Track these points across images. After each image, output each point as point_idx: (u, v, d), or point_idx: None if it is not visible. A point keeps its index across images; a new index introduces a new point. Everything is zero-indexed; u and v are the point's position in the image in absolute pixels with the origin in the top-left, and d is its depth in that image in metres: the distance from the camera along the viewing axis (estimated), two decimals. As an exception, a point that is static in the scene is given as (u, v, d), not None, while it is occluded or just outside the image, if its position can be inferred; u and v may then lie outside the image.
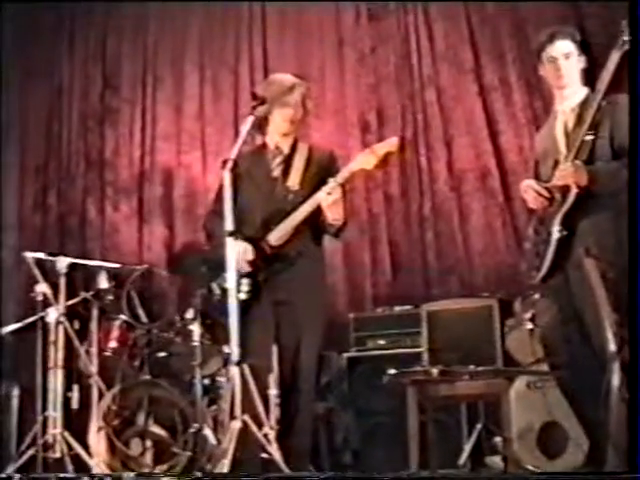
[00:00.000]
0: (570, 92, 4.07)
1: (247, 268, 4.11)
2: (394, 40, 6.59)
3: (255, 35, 6.97)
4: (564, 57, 4.05)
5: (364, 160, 4.12)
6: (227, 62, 7.02)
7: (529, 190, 4.06)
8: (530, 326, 4.91)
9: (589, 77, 4.13)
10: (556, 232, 3.87)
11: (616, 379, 3.45)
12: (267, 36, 6.94)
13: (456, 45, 6.40)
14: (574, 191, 3.83)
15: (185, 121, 7.04)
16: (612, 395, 3.46)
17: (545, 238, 3.93)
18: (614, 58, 3.79)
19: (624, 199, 3.78)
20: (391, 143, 4.15)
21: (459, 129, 6.29)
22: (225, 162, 3.96)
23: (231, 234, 3.85)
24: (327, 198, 4.04)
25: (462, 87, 6.33)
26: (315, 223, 4.18)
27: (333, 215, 4.12)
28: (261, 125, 4.31)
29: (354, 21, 6.73)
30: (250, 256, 4.13)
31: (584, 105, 3.97)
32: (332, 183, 4.05)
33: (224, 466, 3.61)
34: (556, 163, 3.97)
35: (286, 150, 4.32)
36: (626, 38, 3.77)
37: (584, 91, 4.06)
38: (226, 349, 4.82)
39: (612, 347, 3.49)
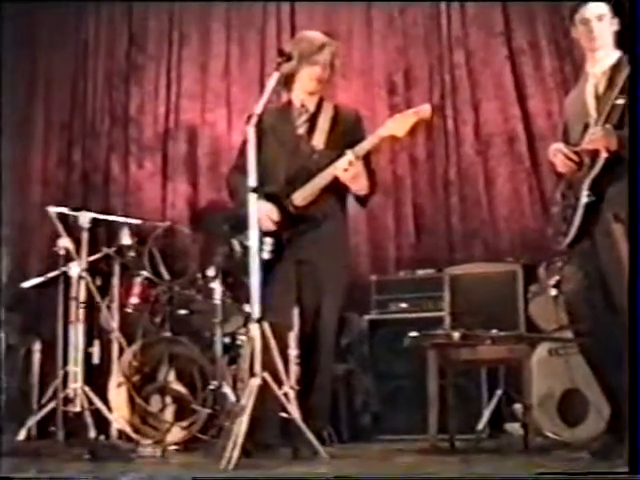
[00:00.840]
0: (602, 55, 3.98)
1: (271, 227, 4.08)
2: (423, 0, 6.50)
3: (283, -6, 6.90)
4: (597, 19, 3.96)
5: (394, 126, 4.03)
6: (254, 21, 6.96)
7: (558, 154, 3.98)
8: (554, 292, 4.87)
9: (622, 39, 4.05)
10: (584, 197, 3.80)
11: (641, 346, 3.41)
12: (295, -4, 6.87)
13: (486, 7, 6.33)
14: (603, 156, 3.75)
15: (210, 79, 7.00)
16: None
17: (573, 203, 3.86)
18: None
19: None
20: (424, 110, 4.05)
21: (487, 92, 6.25)
22: (250, 117, 3.91)
23: (254, 190, 3.80)
24: (344, 174, 4.00)
25: (491, 50, 6.29)
26: (340, 186, 4.12)
27: (355, 187, 4.09)
28: (287, 82, 4.26)
29: (384, -20, 6.65)
30: (275, 216, 4.10)
31: (616, 68, 3.89)
32: (349, 156, 3.98)
33: (242, 423, 3.59)
34: (586, 127, 3.89)
35: (312, 108, 4.27)
36: None
37: (616, 54, 3.98)
38: (247, 308, 4.82)
39: (638, 313, 3.44)
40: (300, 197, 4.12)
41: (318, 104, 4.28)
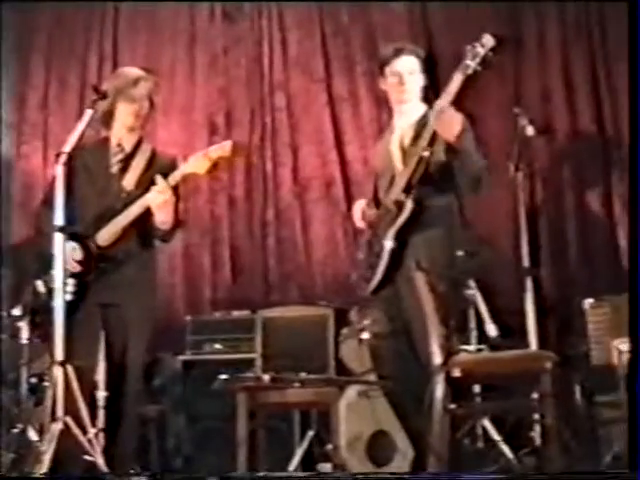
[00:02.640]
0: (409, 108, 4.14)
1: (76, 268, 3.99)
2: (247, 43, 6.59)
3: (106, 27, 6.83)
4: (408, 73, 4.11)
5: (196, 164, 4.04)
6: (76, 53, 6.86)
7: (355, 211, 4.19)
8: (364, 336, 4.97)
9: (427, 94, 4.23)
10: (389, 245, 3.93)
11: (439, 391, 3.53)
12: (118, 29, 6.82)
13: (308, 53, 6.46)
14: (409, 206, 3.90)
15: (28, 111, 6.83)
16: (435, 407, 3.53)
17: (377, 250, 3.98)
18: (456, 80, 3.88)
19: (455, 214, 3.92)
20: (224, 147, 4.08)
21: (306, 137, 6.35)
22: (59, 155, 3.83)
23: (60, 229, 3.73)
24: (156, 198, 3.96)
25: (312, 95, 6.39)
26: (144, 225, 4.09)
27: (161, 217, 4.03)
28: (106, 119, 4.19)
29: (208, 20, 6.70)
30: (78, 256, 4.01)
31: (422, 122, 4.05)
32: (161, 183, 3.96)
33: (42, 468, 3.49)
34: (392, 178, 4.04)
35: (128, 148, 4.22)
36: (469, 62, 3.86)
37: (422, 108, 4.14)
38: (55, 348, 4.71)
39: (437, 360, 3.56)
40: (104, 236, 4.04)
41: (136, 145, 4.24)
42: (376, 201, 4.20)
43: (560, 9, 5.90)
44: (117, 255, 4.06)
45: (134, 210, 4.02)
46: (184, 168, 4.05)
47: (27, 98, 6.86)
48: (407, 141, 4.07)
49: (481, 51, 3.86)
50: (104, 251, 4.05)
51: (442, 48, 5.97)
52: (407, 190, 3.94)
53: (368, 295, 4.05)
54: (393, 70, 4.13)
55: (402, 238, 3.92)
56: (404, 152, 4.06)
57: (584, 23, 5.81)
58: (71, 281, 3.87)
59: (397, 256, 3.92)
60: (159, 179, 3.97)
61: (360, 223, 4.18)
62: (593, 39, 5.76)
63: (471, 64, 3.86)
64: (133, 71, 4.26)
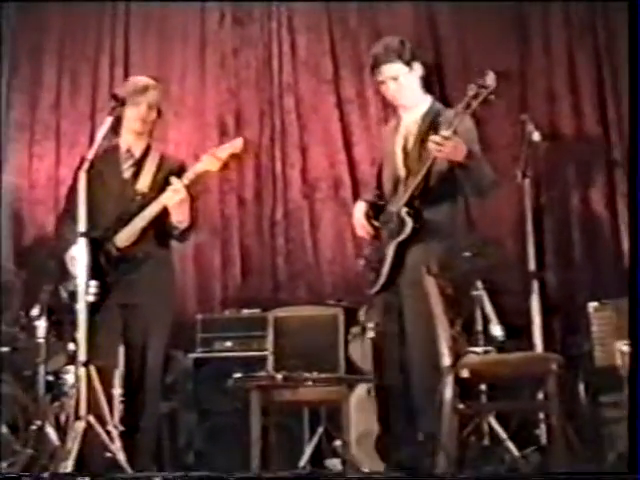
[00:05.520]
0: (411, 104, 4.21)
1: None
2: (256, 45, 6.67)
3: (118, 29, 6.91)
4: (392, 80, 4.17)
5: (209, 162, 4.16)
6: (87, 55, 6.93)
7: (356, 222, 4.26)
8: (372, 335, 5.07)
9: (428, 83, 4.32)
10: (390, 254, 4.04)
11: (449, 391, 3.64)
12: (130, 31, 6.89)
13: (317, 55, 6.54)
14: (410, 225, 4.00)
15: (40, 111, 6.91)
16: (444, 406, 3.64)
17: (380, 256, 4.09)
18: (457, 115, 3.91)
19: (458, 222, 4.01)
20: (235, 145, 4.21)
21: (315, 138, 6.43)
22: (82, 162, 3.94)
23: (83, 235, 3.84)
24: (172, 197, 4.08)
25: (320, 97, 6.48)
26: (161, 226, 4.21)
27: (178, 216, 4.16)
28: (115, 126, 4.31)
29: (218, 23, 6.77)
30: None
31: (426, 117, 4.13)
32: (177, 183, 4.08)
33: (68, 466, 3.61)
34: (396, 182, 4.13)
35: (137, 154, 4.34)
36: (472, 102, 3.86)
37: (427, 101, 4.22)
38: (71, 346, 4.81)
39: (446, 361, 3.67)
40: (122, 238, 4.17)
41: (145, 151, 4.35)
42: (379, 197, 4.32)
43: (565, 10, 5.97)
44: (137, 256, 4.18)
45: (151, 211, 4.15)
46: (197, 167, 4.17)
47: (39, 99, 6.94)
48: (411, 142, 4.14)
49: (484, 92, 3.84)
50: (123, 252, 4.16)
51: (449, 48, 6.08)
52: (409, 204, 4.03)
53: (373, 295, 4.16)
54: (378, 79, 4.20)
55: (404, 248, 4.03)
56: (406, 155, 4.14)
57: (589, 24, 5.88)
58: (93, 283, 3.97)
59: (399, 260, 4.02)
60: (174, 179, 4.09)
61: (361, 232, 4.26)
62: (598, 40, 5.83)
63: (473, 103, 3.87)
64: (142, 79, 4.38)
